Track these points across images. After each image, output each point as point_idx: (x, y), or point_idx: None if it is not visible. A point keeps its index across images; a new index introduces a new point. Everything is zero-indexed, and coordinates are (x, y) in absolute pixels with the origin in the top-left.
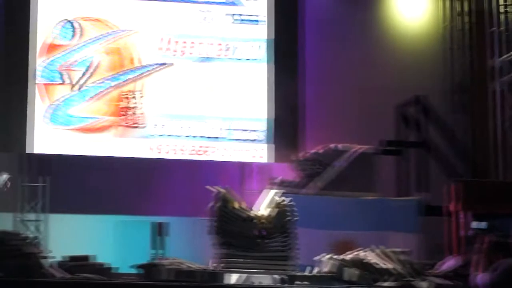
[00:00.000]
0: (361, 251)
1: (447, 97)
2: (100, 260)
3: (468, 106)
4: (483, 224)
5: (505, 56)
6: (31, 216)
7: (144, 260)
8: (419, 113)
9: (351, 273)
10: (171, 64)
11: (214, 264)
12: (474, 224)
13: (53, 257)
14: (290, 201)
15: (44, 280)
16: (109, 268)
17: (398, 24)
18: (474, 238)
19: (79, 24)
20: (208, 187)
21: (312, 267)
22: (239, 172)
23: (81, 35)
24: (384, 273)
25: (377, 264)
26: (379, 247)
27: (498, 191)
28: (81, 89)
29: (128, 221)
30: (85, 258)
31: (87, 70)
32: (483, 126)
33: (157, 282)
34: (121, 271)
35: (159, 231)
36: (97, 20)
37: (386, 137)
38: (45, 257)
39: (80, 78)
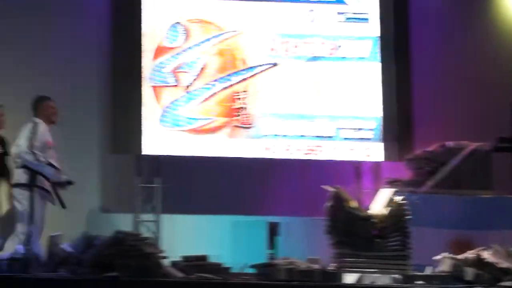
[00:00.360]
0: (480, 250)
1: None
2: (215, 260)
3: None
4: None
5: None
6: (149, 216)
7: (259, 260)
8: None
9: (470, 272)
10: (283, 64)
11: (332, 264)
12: None
13: (170, 258)
14: (405, 199)
15: (165, 280)
16: (227, 268)
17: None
18: None
19: (187, 26)
20: (323, 186)
21: (431, 267)
22: (352, 171)
23: (189, 37)
24: (507, 273)
25: (497, 263)
26: (503, 246)
27: None
28: (191, 90)
29: (242, 221)
30: (202, 258)
31: (199, 72)
32: None
33: (276, 281)
34: (239, 271)
35: (274, 231)
36: (204, 21)
37: (501, 134)
38: (164, 257)
39: (194, 80)
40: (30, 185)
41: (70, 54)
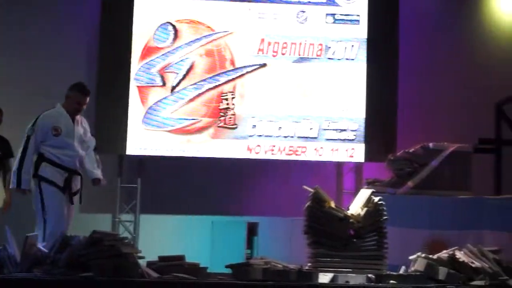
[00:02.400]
0: (457, 250)
1: None
2: (192, 260)
3: None
4: None
5: None
6: (128, 217)
7: (238, 260)
8: None
9: (446, 272)
10: (270, 65)
11: (308, 264)
12: None
13: (147, 258)
14: (382, 200)
15: (141, 280)
16: (205, 268)
17: (499, 21)
18: None
19: (179, 27)
20: (304, 186)
21: (405, 267)
22: (333, 172)
23: (178, 37)
24: (480, 272)
25: (473, 263)
26: (477, 246)
27: None
28: (177, 91)
29: (222, 221)
30: (179, 258)
31: (186, 73)
32: None
33: (250, 281)
34: (216, 271)
35: (253, 231)
36: (193, 22)
37: (485, 135)
38: (141, 258)
39: (181, 80)
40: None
41: (58, 52)
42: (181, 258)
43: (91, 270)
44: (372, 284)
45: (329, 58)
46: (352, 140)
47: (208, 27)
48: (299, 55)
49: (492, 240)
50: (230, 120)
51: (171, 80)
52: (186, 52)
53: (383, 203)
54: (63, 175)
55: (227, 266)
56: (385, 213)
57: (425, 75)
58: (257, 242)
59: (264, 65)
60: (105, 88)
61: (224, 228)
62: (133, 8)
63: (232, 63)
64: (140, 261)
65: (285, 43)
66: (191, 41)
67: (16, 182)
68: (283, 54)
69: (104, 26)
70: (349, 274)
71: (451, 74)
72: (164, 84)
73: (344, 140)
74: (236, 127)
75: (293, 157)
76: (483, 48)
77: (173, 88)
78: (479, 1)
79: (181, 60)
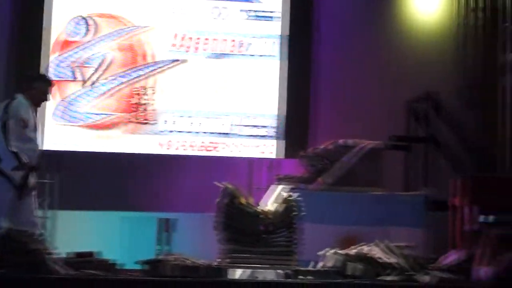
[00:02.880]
0: (365, 246)
1: (459, 93)
2: (106, 256)
3: (479, 102)
4: (489, 218)
5: None
6: (39, 213)
7: (148, 257)
8: (430, 108)
9: (354, 267)
10: (184, 61)
11: (219, 260)
12: (481, 219)
13: (60, 254)
14: (297, 196)
15: (49, 276)
16: (114, 264)
17: (412, 20)
18: (480, 232)
19: (93, 21)
20: (216, 182)
21: (316, 262)
22: (248, 168)
23: (95, 31)
24: (387, 267)
25: (380, 258)
26: (384, 241)
27: (504, 186)
28: (93, 85)
29: (136, 218)
30: (90, 254)
31: (99, 67)
32: (494, 122)
33: (161, 277)
34: (127, 267)
35: (166, 227)
36: (111, 16)
37: (397, 132)
38: (51, 254)
39: (92, 74)
40: None
41: None
42: (91, 254)
43: (3, 267)
44: (282, 279)
45: (244, 55)
46: (266, 136)
47: (127, 21)
48: (216, 51)
49: (400, 236)
50: (146, 116)
51: (87, 74)
52: (103, 46)
53: (294, 199)
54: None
55: (137, 262)
56: (296, 209)
57: (340, 72)
58: (169, 239)
59: (181, 60)
60: (18, 82)
61: (135, 224)
62: (43, 1)
63: (150, 58)
64: (58, 257)
65: (203, 39)
66: (109, 36)
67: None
68: (200, 50)
69: (15, 19)
70: (259, 270)
71: (365, 71)
72: (80, 78)
73: (258, 136)
74: (152, 123)
75: (205, 153)
76: (399, 46)
77: (89, 82)
78: (392, 1)
79: (98, 55)
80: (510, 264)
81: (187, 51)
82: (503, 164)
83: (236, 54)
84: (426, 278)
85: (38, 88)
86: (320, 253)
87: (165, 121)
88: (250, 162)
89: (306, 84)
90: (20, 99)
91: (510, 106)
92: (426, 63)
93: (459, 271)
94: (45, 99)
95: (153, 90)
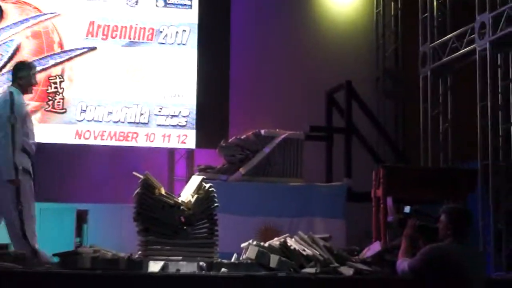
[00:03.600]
0: (285, 237)
1: (378, 83)
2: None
3: (398, 92)
4: (406, 209)
5: (436, 42)
6: None
7: (67, 249)
8: (348, 98)
9: (273, 259)
10: (100, 48)
11: (139, 252)
12: (406, 209)
13: None
14: (214, 187)
15: None
16: (30, 257)
17: (330, 9)
18: (401, 223)
19: (1, 7)
20: (134, 173)
21: (239, 255)
22: (165, 158)
23: (3, 18)
24: (311, 259)
25: (304, 250)
26: (304, 233)
27: (421, 177)
28: (3, 74)
29: (51, 209)
30: (5, 246)
31: (9, 54)
32: (412, 112)
33: (79, 270)
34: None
35: (82, 218)
36: (19, 2)
37: (317, 122)
38: None
39: (1, 62)
40: None
41: None
42: (4, 246)
43: None
44: (204, 272)
45: (160, 43)
46: (184, 126)
47: (35, 8)
48: (130, 39)
49: (323, 227)
50: (59, 105)
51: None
52: (11, 33)
53: (214, 189)
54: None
55: (54, 255)
56: (216, 200)
57: (259, 62)
58: (87, 230)
59: (93, 48)
60: None
61: (52, 216)
62: None
63: (61, 45)
64: None
65: (115, 26)
66: (17, 22)
67: (14, 174)
68: (113, 37)
69: None
70: (180, 262)
71: (284, 61)
72: None
73: (175, 126)
74: (64, 112)
75: (124, 143)
76: (317, 35)
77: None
78: None
79: (7, 42)
80: (424, 255)
81: (103, 39)
82: (423, 155)
83: (150, 42)
84: (350, 271)
85: (27, 76)
86: (243, 245)
87: (83, 110)
88: (170, 152)
89: (224, 73)
90: (15, 92)
91: (430, 96)
92: (346, 53)
93: (379, 262)
94: (35, 84)
95: (68, 78)
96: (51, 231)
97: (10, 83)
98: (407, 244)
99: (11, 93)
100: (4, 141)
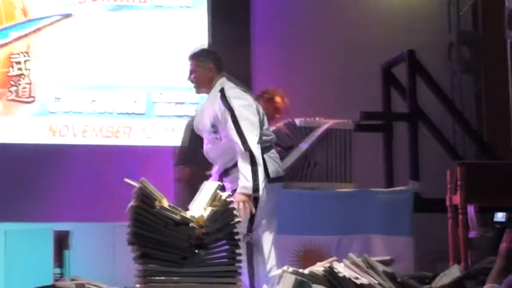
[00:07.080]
0: (331, 262)
1: (451, 52)
2: None
3: (477, 63)
4: (500, 217)
5: None
6: None
7: (42, 282)
8: (412, 73)
9: None
10: (72, 15)
11: (136, 285)
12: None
13: None
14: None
15: None
16: None
17: None
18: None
19: None
20: (126, 180)
21: (272, 286)
22: (169, 160)
23: None
24: None
25: (353, 278)
26: (357, 255)
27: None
28: None
29: (19, 231)
30: None
31: None
32: (498, 90)
33: None
34: None
35: (63, 242)
36: None
37: (368, 108)
38: None
39: None
40: None
41: None
42: None
43: None
44: None
45: (156, 6)
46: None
47: None
48: (116, 1)
49: (382, 246)
50: (25, 92)
51: None
52: None
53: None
54: None
55: None
56: (237, 213)
57: (289, 29)
58: (69, 257)
59: (69, 15)
60: None
61: (22, 240)
62: None
63: (24, 12)
64: None
65: None
66: None
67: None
68: (94, 0)
69: None
70: None
71: (324, 27)
72: None
73: (181, 116)
74: (33, 101)
75: (113, 141)
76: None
77: None
78: None
79: None
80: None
81: (81, 2)
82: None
83: (146, 5)
84: None
85: None
86: (275, 273)
87: (57, 98)
88: (170, 152)
89: (245, 44)
90: None
91: None
92: (405, 13)
93: None
94: None
95: (36, 56)
96: (21, 260)
97: None
98: (502, 264)
99: None
100: None
